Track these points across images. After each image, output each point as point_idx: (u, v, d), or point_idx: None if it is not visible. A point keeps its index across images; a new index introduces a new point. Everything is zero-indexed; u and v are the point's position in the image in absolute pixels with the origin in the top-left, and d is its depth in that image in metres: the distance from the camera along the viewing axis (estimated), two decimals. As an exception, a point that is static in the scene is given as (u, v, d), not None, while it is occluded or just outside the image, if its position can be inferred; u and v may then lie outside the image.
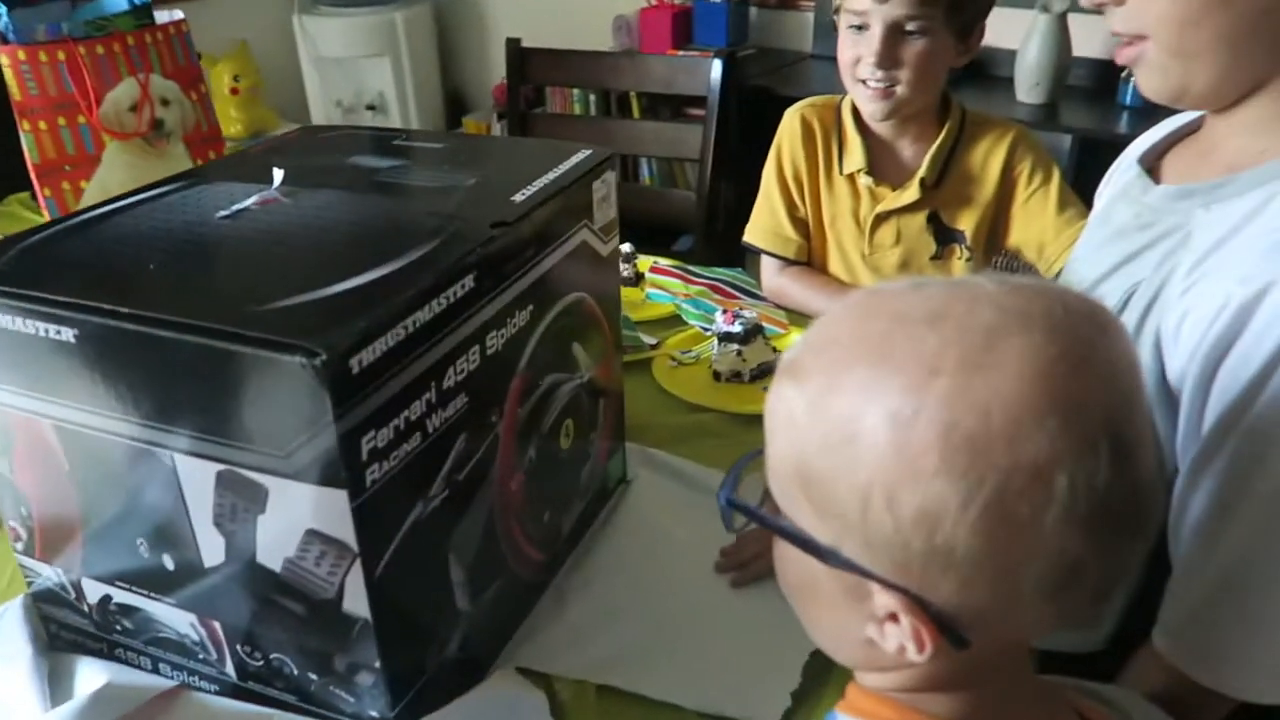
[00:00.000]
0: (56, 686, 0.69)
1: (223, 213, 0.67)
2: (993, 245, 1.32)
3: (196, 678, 0.68)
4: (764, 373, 1.10)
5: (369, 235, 0.66)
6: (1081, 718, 0.54)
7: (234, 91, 2.21)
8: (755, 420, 0.50)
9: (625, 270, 1.34)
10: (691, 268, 1.34)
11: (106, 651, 0.71)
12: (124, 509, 0.63)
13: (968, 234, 1.29)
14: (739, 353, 1.10)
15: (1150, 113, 0.80)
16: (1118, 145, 0.89)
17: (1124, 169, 0.83)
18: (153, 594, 0.65)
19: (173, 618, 0.66)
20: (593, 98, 2.73)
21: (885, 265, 1.32)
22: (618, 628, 0.77)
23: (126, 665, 0.70)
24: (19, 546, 0.69)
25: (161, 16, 1.54)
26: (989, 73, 2.38)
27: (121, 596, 0.67)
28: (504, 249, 0.64)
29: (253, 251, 0.63)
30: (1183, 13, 0.64)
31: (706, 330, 1.18)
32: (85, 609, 0.70)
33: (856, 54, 1.20)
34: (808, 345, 0.48)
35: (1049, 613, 0.45)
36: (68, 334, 0.56)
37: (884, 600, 0.44)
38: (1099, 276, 0.77)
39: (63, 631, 0.72)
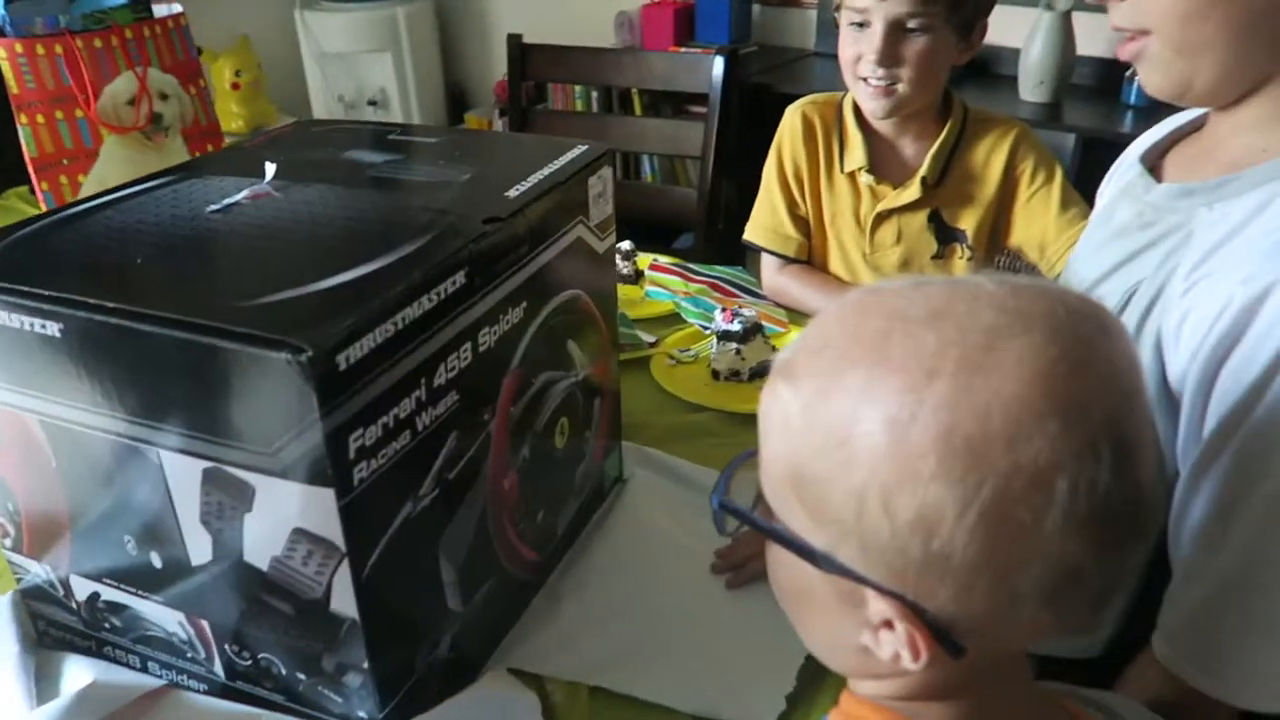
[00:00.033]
0: (43, 684, 0.68)
1: (213, 207, 0.66)
2: (994, 245, 1.31)
3: (185, 677, 0.68)
4: (763, 372, 1.09)
5: (360, 230, 0.65)
6: (1079, 725, 0.53)
7: (235, 86, 2.20)
8: (754, 420, 0.49)
9: (625, 268, 1.33)
10: (691, 265, 1.33)
11: (95, 649, 0.70)
12: (111, 506, 0.62)
13: (969, 233, 1.28)
14: (738, 351, 1.09)
15: (1154, 112, 0.79)
16: (1121, 144, 0.88)
17: (1125, 167, 0.82)
18: (141, 592, 0.65)
19: (161, 616, 0.65)
20: (594, 94, 2.73)
21: (886, 264, 1.31)
22: (612, 629, 0.76)
23: (115, 663, 0.70)
24: (7, 543, 0.69)
25: (160, 10, 1.53)
26: (992, 71, 2.38)
27: (110, 594, 0.66)
28: (496, 245, 0.64)
29: (242, 246, 0.62)
30: (1185, 7, 0.63)
31: (705, 328, 1.17)
32: (74, 606, 0.69)
33: (857, 51, 1.19)
34: (803, 344, 0.48)
35: (1047, 619, 0.44)
36: (52, 328, 0.55)
37: (879, 607, 0.44)
38: (1099, 276, 0.76)
39: (51, 629, 0.72)
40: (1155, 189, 0.74)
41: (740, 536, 0.76)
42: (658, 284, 1.29)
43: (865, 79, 1.19)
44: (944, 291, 0.44)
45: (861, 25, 1.17)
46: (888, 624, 0.44)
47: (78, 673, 0.68)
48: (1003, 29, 1.82)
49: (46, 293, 0.55)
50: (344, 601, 0.57)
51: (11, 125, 1.41)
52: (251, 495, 0.55)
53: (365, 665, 0.59)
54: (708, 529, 0.60)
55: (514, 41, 1.96)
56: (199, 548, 0.60)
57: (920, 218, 1.28)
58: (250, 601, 0.60)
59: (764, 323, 1.12)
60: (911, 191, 1.26)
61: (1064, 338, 0.41)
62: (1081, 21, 2.15)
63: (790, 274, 1.36)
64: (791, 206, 1.34)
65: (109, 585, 0.66)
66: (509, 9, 3.11)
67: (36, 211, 1.52)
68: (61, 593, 0.69)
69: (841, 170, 1.30)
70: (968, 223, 1.28)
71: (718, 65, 1.79)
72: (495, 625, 0.74)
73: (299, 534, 0.55)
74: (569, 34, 2.22)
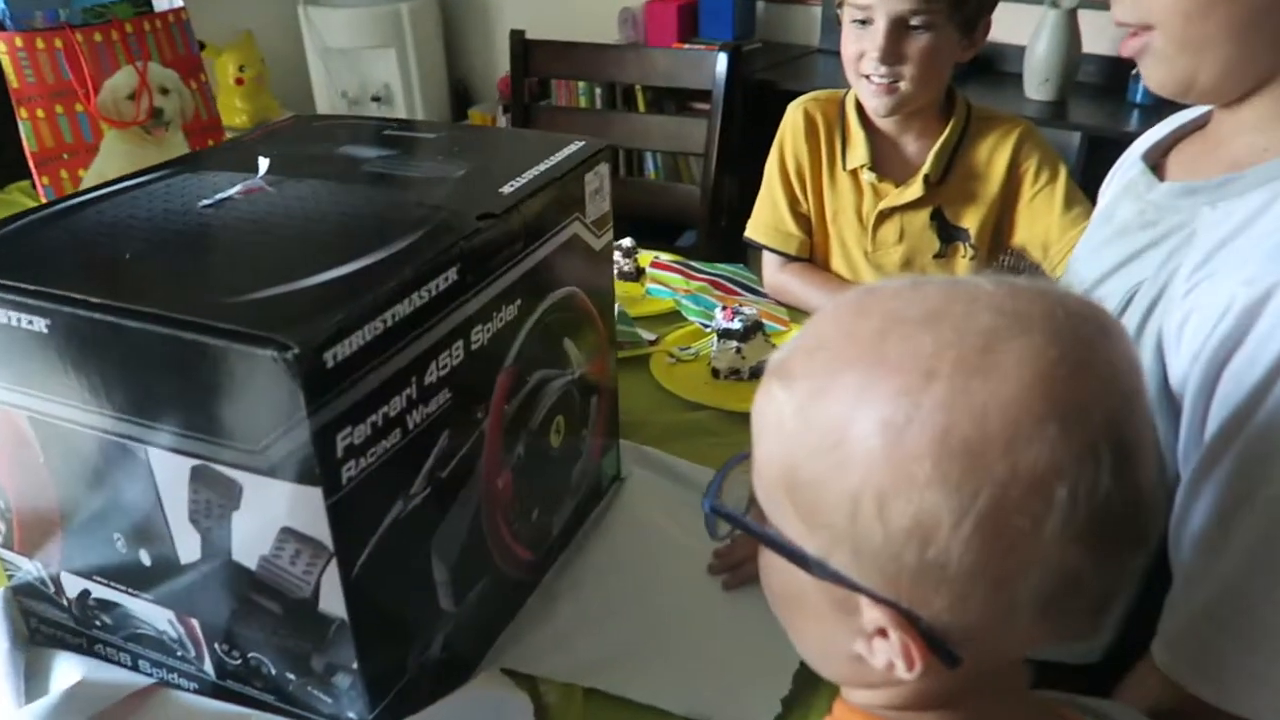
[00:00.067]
0: (33, 682, 0.68)
1: (205, 202, 0.66)
2: (997, 244, 1.30)
3: (175, 675, 0.67)
4: (763, 370, 1.08)
5: (352, 226, 0.64)
6: (1076, 733, 0.52)
7: (239, 82, 2.20)
8: (754, 419, 0.49)
9: (626, 265, 1.33)
10: (693, 263, 1.33)
11: (86, 647, 0.70)
12: (101, 503, 0.61)
13: (972, 232, 1.27)
14: (738, 350, 1.08)
15: (1160, 111, 0.78)
16: (1127, 143, 0.87)
17: (1127, 166, 0.81)
18: (131, 590, 0.64)
19: (151, 614, 0.65)
20: (598, 91, 2.72)
21: (888, 263, 1.30)
22: (607, 629, 0.75)
23: (106, 661, 0.69)
24: (-2, 539, 0.68)
25: (161, 4, 1.52)
26: (997, 68, 2.36)
27: (100, 592, 0.66)
28: (490, 241, 0.63)
29: (233, 241, 0.62)
30: (1188, 3, 0.62)
31: (706, 327, 1.17)
32: (65, 604, 0.68)
33: (860, 49, 1.18)
34: (798, 344, 0.47)
35: (1045, 627, 0.43)
36: (40, 324, 0.54)
37: (873, 615, 0.43)
38: (1100, 276, 0.75)
39: (43, 626, 0.71)
40: (1157, 188, 0.73)
41: (736, 538, 0.76)
42: (658, 281, 1.28)
43: (868, 76, 1.19)
44: (941, 292, 0.44)
45: (864, 22, 1.17)
46: (881, 632, 0.43)
47: (67, 671, 0.68)
48: (1007, 26, 1.80)
49: (34, 288, 0.54)
50: (332, 601, 0.56)
51: (12, 119, 1.40)
52: (239, 493, 0.55)
53: (354, 665, 0.58)
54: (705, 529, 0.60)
55: (517, 38, 1.95)
56: (188, 546, 0.59)
57: (923, 216, 1.27)
58: (239, 600, 0.60)
59: (765, 321, 1.11)
60: (914, 189, 1.25)
61: (1063, 339, 0.41)
62: (1087, 19, 2.13)
63: (791, 272, 1.35)
64: (793, 204, 1.34)
65: (99, 583, 0.65)
66: (513, 5, 3.10)
67: (36, 205, 1.52)
68: (52, 590, 0.68)
69: (844, 168, 1.29)
70: (970, 221, 1.27)
71: (721, 62, 1.78)
72: (489, 625, 0.74)
73: (287, 533, 0.55)
74: (572, 30, 2.22)
